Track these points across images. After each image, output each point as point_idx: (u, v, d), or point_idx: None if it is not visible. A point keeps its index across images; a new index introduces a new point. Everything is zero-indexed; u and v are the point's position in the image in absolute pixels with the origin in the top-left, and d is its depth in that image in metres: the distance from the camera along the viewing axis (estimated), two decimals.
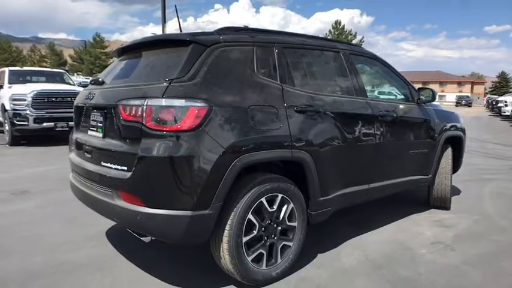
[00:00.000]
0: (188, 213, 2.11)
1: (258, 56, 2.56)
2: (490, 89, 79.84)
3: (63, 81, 10.01)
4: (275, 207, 2.47)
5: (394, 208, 4.12)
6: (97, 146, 2.52)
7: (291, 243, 2.58)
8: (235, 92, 2.36)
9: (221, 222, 2.24)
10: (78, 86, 10.45)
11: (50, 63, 62.13)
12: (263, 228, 2.42)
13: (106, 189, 2.36)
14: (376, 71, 3.94)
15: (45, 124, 7.98)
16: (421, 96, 3.74)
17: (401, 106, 3.59)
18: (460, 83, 79.39)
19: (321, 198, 2.72)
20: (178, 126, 2.11)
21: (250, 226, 2.36)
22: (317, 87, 2.98)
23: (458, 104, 48.54)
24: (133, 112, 2.20)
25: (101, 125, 2.53)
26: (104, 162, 2.40)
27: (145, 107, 2.14)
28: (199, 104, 2.16)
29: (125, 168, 2.21)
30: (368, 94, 3.30)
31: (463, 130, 4.33)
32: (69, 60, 65.91)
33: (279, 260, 2.52)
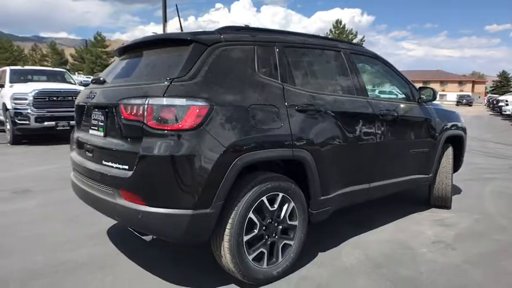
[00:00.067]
0: (189, 212, 2.12)
1: (259, 55, 2.56)
2: (491, 88, 79.74)
3: (64, 81, 10.01)
4: (276, 206, 2.47)
5: (395, 207, 4.12)
6: (98, 145, 2.52)
7: (291, 242, 2.58)
8: (236, 91, 2.36)
9: (222, 221, 2.25)
10: (79, 85, 10.47)
11: (51, 62, 62.24)
12: (264, 227, 2.43)
13: (107, 188, 2.36)
14: (377, 70, 3.94)
15: (46, 123, 8.00)
16: (422, 96, 3.73)
17: (402, 105, 3.59)
18: (460, 82, 79.19)
19: (322, 197, 2.72)
20: (180, 125, 2.11)
21: (251, 225, 2.36)
22: (318, 86, 2.98)
23: (459, 103, 48.38)
24: (135, 111, 2.20)
25: (102, 124, 2.53)
26: (105, 161, 2.41)
27: (146, 106, 2.14)
28: (200, 103, 2.16)
29: (126, 167, 2.21)
30: (369, 93, 3.30)
31: (463, 129, 4.33)
32: (70, 60, 66.03)
33: (280, 259, 2.53)
